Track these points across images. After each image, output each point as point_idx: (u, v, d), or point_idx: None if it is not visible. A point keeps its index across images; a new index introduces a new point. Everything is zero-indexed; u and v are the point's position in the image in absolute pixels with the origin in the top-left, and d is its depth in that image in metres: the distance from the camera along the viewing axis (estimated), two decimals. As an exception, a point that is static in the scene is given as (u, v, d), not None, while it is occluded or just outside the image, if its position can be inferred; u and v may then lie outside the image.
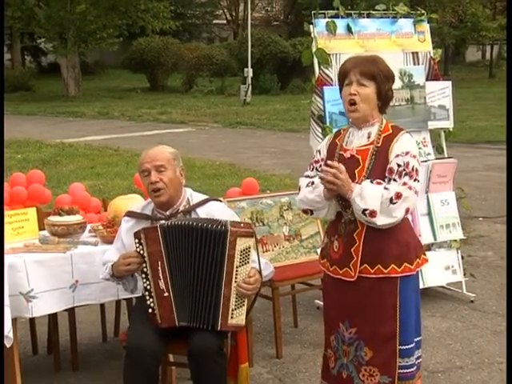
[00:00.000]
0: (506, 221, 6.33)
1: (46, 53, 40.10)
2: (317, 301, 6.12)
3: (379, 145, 3.69)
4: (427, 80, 6.36)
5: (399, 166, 3.63)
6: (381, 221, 3.57)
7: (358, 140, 3.78)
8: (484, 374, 4.98)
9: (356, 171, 3.67)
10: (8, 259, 4.29)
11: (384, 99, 3.77)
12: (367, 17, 6.30)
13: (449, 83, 6.55)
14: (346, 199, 3.63)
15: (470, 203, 6.90)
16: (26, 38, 39.28)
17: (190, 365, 3.93)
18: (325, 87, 5.85)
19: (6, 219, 4.68)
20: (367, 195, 3.55)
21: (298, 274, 5.43)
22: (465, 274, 6.53)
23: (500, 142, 16.89)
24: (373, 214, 3.54)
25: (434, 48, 6.62)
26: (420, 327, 3.93)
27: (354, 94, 3.68)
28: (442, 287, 6.44)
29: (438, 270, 6.28)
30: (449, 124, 6.49)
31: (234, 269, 3.81)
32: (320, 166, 3.83)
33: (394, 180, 3.61)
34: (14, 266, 4.31)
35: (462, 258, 6.54)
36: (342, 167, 3.59)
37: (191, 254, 3.85)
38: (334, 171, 3.56)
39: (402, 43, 6.34)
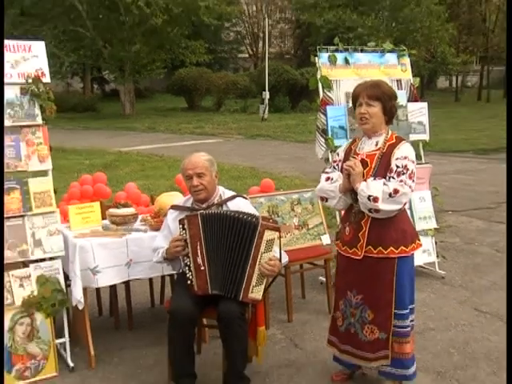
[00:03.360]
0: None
1: (109, 82, 40.34)
2: (320, 277, 6.07)
3: (384, 151, 3.74)
4: (408, 101, 6.34)
5: (398, 167, 3.68)
6: (382, 206, 3.61)
7: (368, 147, 3.83)
8: (451, 333, 5.00)
9: (364, 171, 3.73)
10: (79, 242, 4.38)
11: (389, 114, 3.83)
12: (361, 51, 6.30)
13: (425, 104, 6.51)
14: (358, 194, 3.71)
15: (442, 200, 6.85)
16: (94, 71, 39.62)
17: (218, 327, 3.93)
18: (327, 106, 5.85)
19: (77, 211, 4.76)
20: (371, 186, 3.63)
21: (306, 255, 5.42)
22: (437, 256, 6.49)
23: (464, 151, 16.87)
24: (376, 199, 3.60)
25: (413, 77, 6.58)
26: (413, 297, 3.95)
27: (365, 113, 3.75)
28: (420, 266, 6.37)
29: (417, 252, 6.17)
30: (426, 137, 6.46)
31: (260, 254, 3.81)
32: (337, 165, 3.94)
33: (393, 178, 3.66)
34: (84, 247, 4.36)
35: (436, 243, 6.49)
36: (359, 163, 3.72)
37: (225, 237, 3.85)
38: (356, 161, 3.71)
39: (388, 72, 6.30)
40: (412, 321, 3.91)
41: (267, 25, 34.63)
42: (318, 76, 5.93)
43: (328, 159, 5.86)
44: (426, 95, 39.14)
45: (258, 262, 3.81)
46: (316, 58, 5.98)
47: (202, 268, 3.88)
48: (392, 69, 6.38)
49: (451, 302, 5.71)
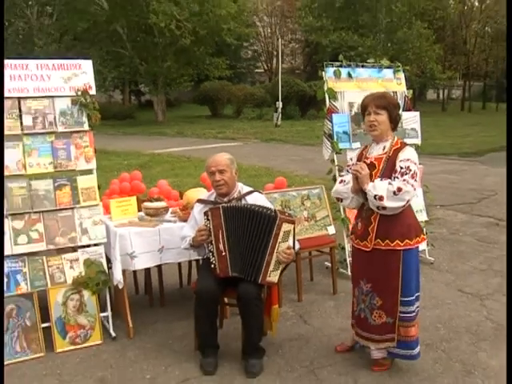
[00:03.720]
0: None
1: (144, 93, 40.51)
2: (326, 263, 6.03)
3: (390, 154, 3.69)
4: (403, 110, 6.24)
5: (401, 168, 3.62)
6: (387, 204, 3.56)
7: (376, 151, 3.78)
8: (438, 311, 4.98)
9: (373, 172, 3.69)
10: (119, 231, 4.42)
11: (394, 122, 3.77)
12: (362, 67, 6.24)
13: (418, 113, 6.46)
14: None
15: (431, 196, 6.80)
16: (132, 85, 39.85)
17: (238, 305, 3.93)
18: (333, 114, 5.81)
19: (117, 204, 4.79)
20: (377, 186, 3.58)
21: (314, 244, 5.41)
22: (427, 245, 6.44)
23: (450, 154, 16.71)
24: (381, 198, 3.55)
25: (407, 89, 6.51)
26: (419, 285, 3.86)
27: (373, 121, 3.71)
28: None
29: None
30: (418, 141, 6.36)
31: (277, 244, 3.79)
32: (350, 168, 3.87)
33: (397, 177, 3.60)
34: (123, 235, 4.39)
35: (426, 233, 6.43)
36: (365, 166, 3.68)
37: (245, 228, 3.84)
38: (361, 165, 3.67)
39: (385, 85, 6.23)
40: (417, 307, 3.84)
41: (280, 44, 34.60)
42: (325, 88, 5.89)
43: (333, 160, 5.84)
44: (417, 106, 39.05)
45: (275, 251, 3.79)
46: (323, 73, 5.94)
47: (224, 253, 3.88)
48: (389, 82, 6.33)
49: (439, 284, 5.68)
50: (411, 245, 3.68)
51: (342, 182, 3.88)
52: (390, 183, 3.58)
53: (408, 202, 3.62)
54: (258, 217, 3.82)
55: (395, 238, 3.65)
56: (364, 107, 3.79)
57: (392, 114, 3.72)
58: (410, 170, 3.60)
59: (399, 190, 3.54)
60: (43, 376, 3.92)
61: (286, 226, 3.80)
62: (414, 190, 3.61)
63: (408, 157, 3.64)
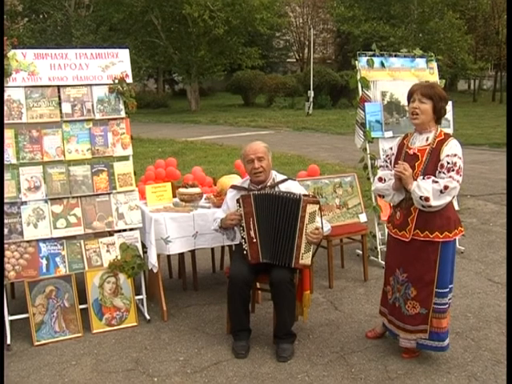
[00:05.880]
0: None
1: (178, 82, 40.65)
2: (357, 250, 6.00)
3: (434, 146, 3.58)
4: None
5: (448, 163, 3.51)
6: (434, 203, 3.48)
7: (419, 142, 3.68)
8: (468, 300, 4.92)
9: (416, 164, 3.60)
10: (154, 216, 4.43)
11: (438, 114, 3.65)
12: (395, 56, 6.15)
13: (450, 103, 6.30)
14: None
15: (462, 185, 6.66)
16: (166, 74, 39.99)
17: (270, 290, 3.92)
18: (366, 103, 5.75)
19: (153, 190, 4.82)
20: (422, 187, 3.49)
21: (345, 231, 5.36)
22: (458, 234, 6.31)
23: (481, 144, 16.40)
24: (427, 199, 3.48)
25: (439, 79, 6.38)
26: (453, 277, 3.79)
27: (416, 108, 3.61)
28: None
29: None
30: (450, 130, 6.21)
31: (305, 225, 3.79)
32: (389, 158, 3.82)
33: (444, 173, 3.50)
34: (158, 220, 4.40)
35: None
36: (408, 166, 3.56)
37: (275, 214, 3.83)
38: (404, 166, 3.55)
39: (418, 75, 6.13)
40: (450, 299, 3.78)
41: (312, 34, 34.34)
42: (358, 77, 5.82)
43: (366, 149, 5.79)
44: (448, 96, 38.41)
45: (304, 233, 3.79)
46: (356, 62, 5.87)
47: (255, 240, 3.88)
48: (421, 72, 6.21)
49: (469, 273, 5.60)
50: (450, 237, 3.61)
51: (380, 179, 3.79)
52: (434, 181, 3.49)
53: (453, 198, 3.55)
54: (283, 202, 3.82)
55: (435, 230, 3.58)
56: (410, 94, 3.70)
57: (437, 104, 3.60)
58: (456, 166, 3.49)
59: (446, 188, 3.45)
60: (81, 355, 3.97)
61: (310, 207, 3.79)
62: (459, 184, 3.51)
63: (455, 152, 3.52)
